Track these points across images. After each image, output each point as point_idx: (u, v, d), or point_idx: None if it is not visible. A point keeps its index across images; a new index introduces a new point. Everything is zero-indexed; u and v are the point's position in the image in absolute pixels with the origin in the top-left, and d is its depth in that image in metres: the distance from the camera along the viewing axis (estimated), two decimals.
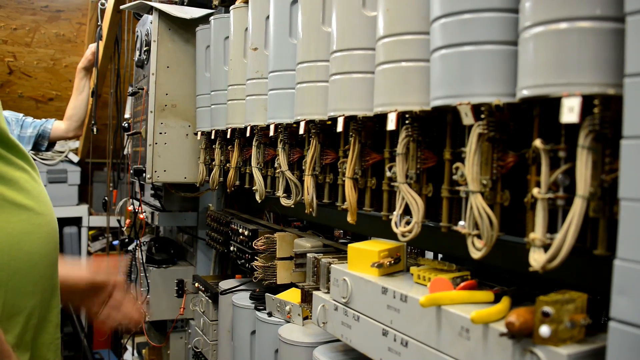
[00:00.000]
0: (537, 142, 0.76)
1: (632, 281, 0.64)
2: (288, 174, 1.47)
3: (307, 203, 1.36)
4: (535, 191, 0.76)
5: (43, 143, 3.21)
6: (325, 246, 1.63)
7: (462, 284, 0.96)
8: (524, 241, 0.80)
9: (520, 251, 0.87)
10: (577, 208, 0.70)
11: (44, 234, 1.10)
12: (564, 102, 0.71)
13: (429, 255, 1.46)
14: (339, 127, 1.19)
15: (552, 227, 0.76)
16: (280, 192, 1.51)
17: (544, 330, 0.72)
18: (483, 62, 0.85)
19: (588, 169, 0.70)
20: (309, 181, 1.35)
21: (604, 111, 0.69)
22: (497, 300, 0.92)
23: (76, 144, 4.52)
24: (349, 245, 1.21)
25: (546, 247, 0.75)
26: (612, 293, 0.66)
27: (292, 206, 1.49)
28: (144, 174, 2.34)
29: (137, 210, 2.76)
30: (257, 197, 1.66)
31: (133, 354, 3.14)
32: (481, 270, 1.09)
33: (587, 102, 0.71)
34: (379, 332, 1.06)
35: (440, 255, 1.35)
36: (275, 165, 1.55)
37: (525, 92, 0.77)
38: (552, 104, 0.75)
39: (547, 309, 0.73)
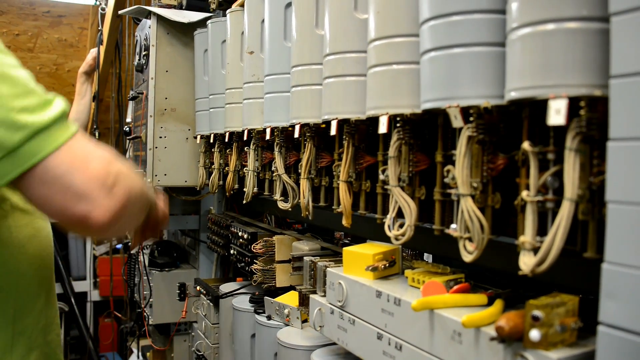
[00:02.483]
0: (526, 145, 0.76)
1: (620, 285, 0.63)
2: (285, 177, 1.47)
3: (302, 207, 1.35)
4: (524, 194, 0.76)
5: None
6: (323, 249, 1.62)
7: (455, 287, 0.95)
8: None
9: (516, 253, 0.86)
10: (565, 211, 0.69)
11: (44, 237, 1.15)
12: (550, 104, 0.70)
13: (429, 257, 1.45)
14: (333, 131, 1.18)
15: (542, 230, 0.76)
16: (277, 196, 1.51)
17: (534, 334, 0.72)
18: (472, 64, 0.85)
19: (576, 171, 0.70)
20: (304, 185, 1.35)
21: (591, 112, 0.69)
22: (490, 303, 0.91)
23: None
24: (344, 248, 1.20)
25: (536, 250, 0.74)
26: (601, 297, 0.65)
27: (290, 209, 1.49)
28: (144, 178, 2.35)
29: None
30: (244, 198, 1.69)
31: (138, 357, 3.14)
32: (478, 273, 1.08)
33: (575, 103, 0.70)
34: (374, 335, 1.06)
35: (430, 257, 1.34)
36: (273, 168, 1.55)
37: (513, 94, 0.76)
38: (541, 106, 0.74)
39: (537, 312, 0.72)
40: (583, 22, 0.70)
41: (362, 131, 1.17)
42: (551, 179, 0.74)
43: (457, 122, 0.85)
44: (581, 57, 0.70)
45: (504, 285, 1.04)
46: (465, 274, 1.05)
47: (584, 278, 0.88)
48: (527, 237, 0.75)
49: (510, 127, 0.86)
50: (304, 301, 1.45)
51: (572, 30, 0.70)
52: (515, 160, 0.83)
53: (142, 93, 2.39)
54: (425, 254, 1.46)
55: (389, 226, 1.03)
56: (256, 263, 1.75)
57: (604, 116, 0.67)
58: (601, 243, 0.69)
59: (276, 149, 1.49)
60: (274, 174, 1.53)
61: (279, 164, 1.48)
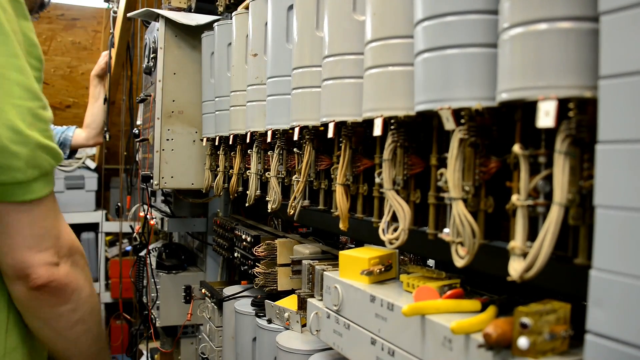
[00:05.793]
0: (516, 147, 0.74)
1: (608, 292, 0.61)
2: (273, 180, 1.47)
3: (297, 210, 1.34)
4: (514, 198, 0.74)
5: (64, 151, 3.24)
6: (323, 252, 1.61)
7: (448, 293, 0.94)
8: None
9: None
10: (554, 216, 0.68)
11: None
12: (539, 106, 0.68)
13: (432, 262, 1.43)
14: (330, 133, 1.17)
15: (534, 235, 0.74)
16: (270, 197, 1.51)
17: (522, 342, 0.70)
18: (466, 65, 0.83)
19: (565, 175, 0.68)
20: (301, 188, 1.34)
21: (580, 114, 0.67)
22: (484, 309, 0.90)
23: (93, 150, 4.57)
24: (340, 252, 1.19)
25: (526, 256, 0.72)
26: (588, 304, 0.63)
27: (271, 210, 1.50)
28: (151, 180, 2.36)
29: (147, 216, 2.78)
30: (247, 201, 1.69)
31: (148, 359, 3.15)
32: (477, 278, 1.06)
33: (565, 105, 0.68)
34: (368, 340, 1.05)
35: (433, 262, 1.32)
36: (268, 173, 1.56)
37: (504, 96, 0.75)
38: (533, 108, 0.73)
39: (525, 320, 0.70)
40: (575, 22, 0.68)
41: (359, 134, 1.16)
42: (542, 183, 0.73)
43: (449, 124, 0.83)
44: (573, 57, 0.68)
45: (503, 291, 1.02)
46: (462, 279, 1.03)
47: (580, 284, 0.86)
48: (517, 242, 0.73)
49: (503, 129, 0.84)
50: (302, 305, 1.44)
51: (564, 30, 0.69)
52: (506, 164, 0.81)
53: (150, 95, 2.40)
54: (429, 259, 1.44)
55: (383, 230, 1.01)
56: (258, 266, 1.75)
57: (594, 118, 0.65)
58: (592, 249, 0.67)
59: (276, 151, 1.49)
60: (271, 176, 1.53)
61: (273, 165, 1.48)
